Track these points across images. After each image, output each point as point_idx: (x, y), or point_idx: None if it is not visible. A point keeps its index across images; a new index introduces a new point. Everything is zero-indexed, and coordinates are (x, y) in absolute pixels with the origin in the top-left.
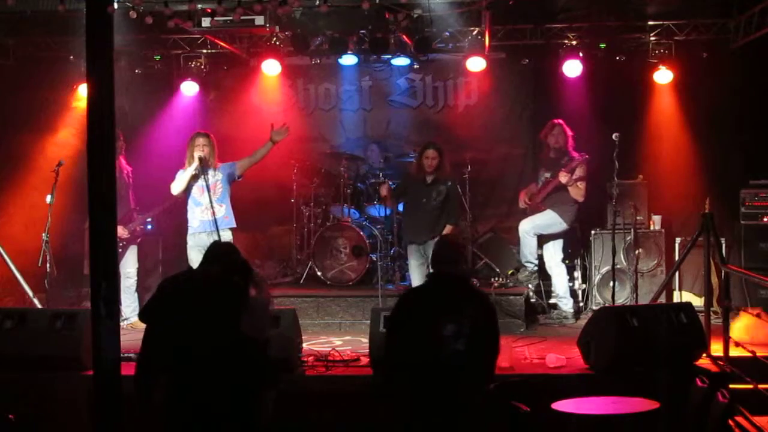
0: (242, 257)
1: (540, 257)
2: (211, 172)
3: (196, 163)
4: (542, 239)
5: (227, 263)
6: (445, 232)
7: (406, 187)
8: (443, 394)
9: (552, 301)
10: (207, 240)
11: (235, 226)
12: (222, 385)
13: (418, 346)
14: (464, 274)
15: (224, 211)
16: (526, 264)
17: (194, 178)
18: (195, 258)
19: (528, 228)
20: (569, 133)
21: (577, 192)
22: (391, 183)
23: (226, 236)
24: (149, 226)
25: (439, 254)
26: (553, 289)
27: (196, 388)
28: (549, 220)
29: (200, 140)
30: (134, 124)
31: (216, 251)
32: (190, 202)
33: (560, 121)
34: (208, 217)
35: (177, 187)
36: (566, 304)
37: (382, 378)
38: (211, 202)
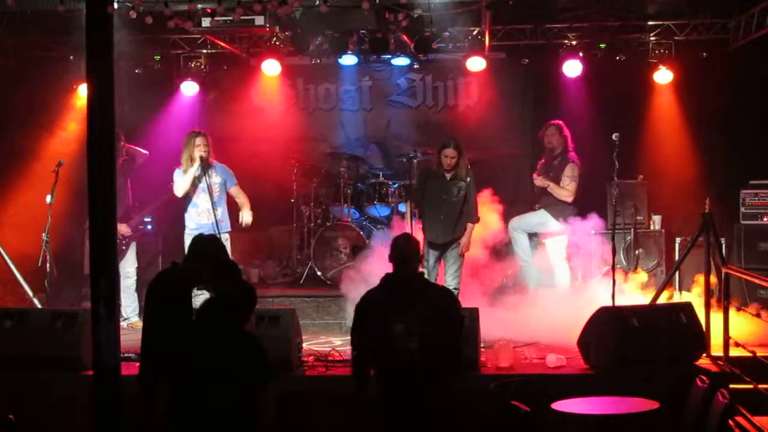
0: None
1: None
2: (210, 172)
3: (198, 163)
4: (544, 238)
5: (214, 260)
6: (467, 231)
7: (425, 183)
8: (408, 395)
9: None
10: None
11: (230, 230)
12: (224, 385)
13: (376, 349)
14: (417, 271)
15: (220, 215)
16: (521, 264)
17: (196, 179)
18: None
19: (515, 225)
20: (567, 134)
21: (561, 193)
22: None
23: (224, 239)
24: (149, 227)
25: (399, 252)
26: (555, 287)
27: (198, 389)
28: (540, 218)
29: (198, 140)
30: (134, 124)
31: (200, 247)
32: (186, 202)
33: (557, 122)
34: (204, 220)
35: (180, 189)
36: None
37: (354, 386)
38: (213, 203)
